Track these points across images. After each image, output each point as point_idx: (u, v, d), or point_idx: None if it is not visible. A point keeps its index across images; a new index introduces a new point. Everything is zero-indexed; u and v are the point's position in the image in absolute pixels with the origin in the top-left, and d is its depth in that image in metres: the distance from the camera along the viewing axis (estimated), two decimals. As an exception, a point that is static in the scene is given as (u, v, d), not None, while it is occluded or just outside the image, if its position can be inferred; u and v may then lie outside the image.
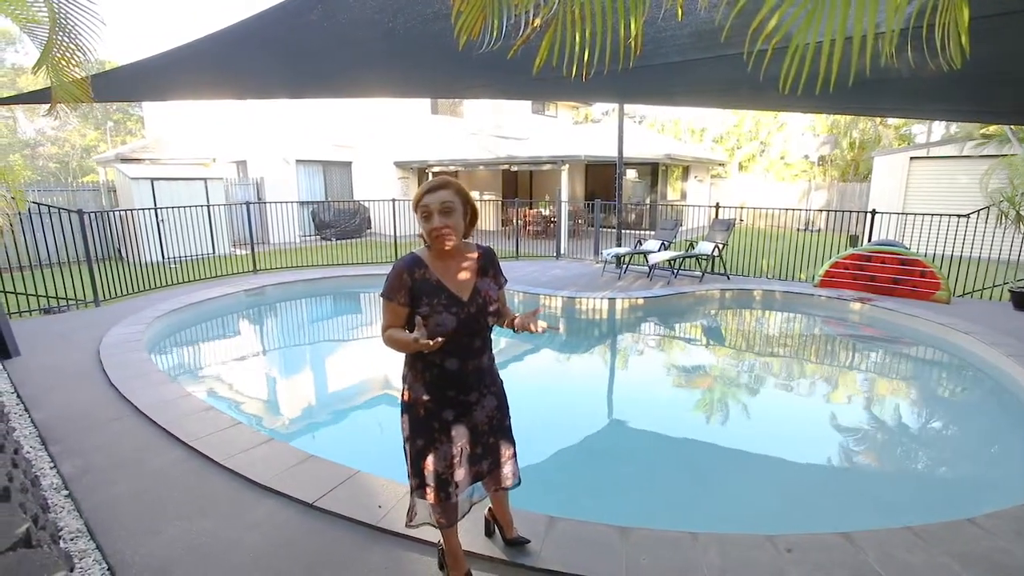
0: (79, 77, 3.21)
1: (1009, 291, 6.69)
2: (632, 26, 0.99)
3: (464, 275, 1.80)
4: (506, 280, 1.96)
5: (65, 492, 2.64)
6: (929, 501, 3.21)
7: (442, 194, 1.70)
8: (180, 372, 5.31)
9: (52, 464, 2.90)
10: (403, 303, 1.72)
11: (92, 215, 7.03)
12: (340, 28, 3.04)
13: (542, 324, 1.77)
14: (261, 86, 4.91)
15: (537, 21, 1.06)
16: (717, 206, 9.49)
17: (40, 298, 6.50)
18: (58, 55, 2.49)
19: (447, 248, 1.73)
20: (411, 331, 1.72)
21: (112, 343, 4.99)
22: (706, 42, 2.59)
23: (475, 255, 1.86)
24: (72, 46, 3.00)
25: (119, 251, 9.63)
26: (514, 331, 1.85)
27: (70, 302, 6.64)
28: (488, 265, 1.88)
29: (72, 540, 2.24)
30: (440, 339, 1.60)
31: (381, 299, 1.75)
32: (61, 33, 2.86)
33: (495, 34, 1.07)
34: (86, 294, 6.78)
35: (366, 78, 4.61)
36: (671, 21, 2.27)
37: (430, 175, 15.50)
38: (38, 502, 2.30)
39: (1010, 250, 7.44)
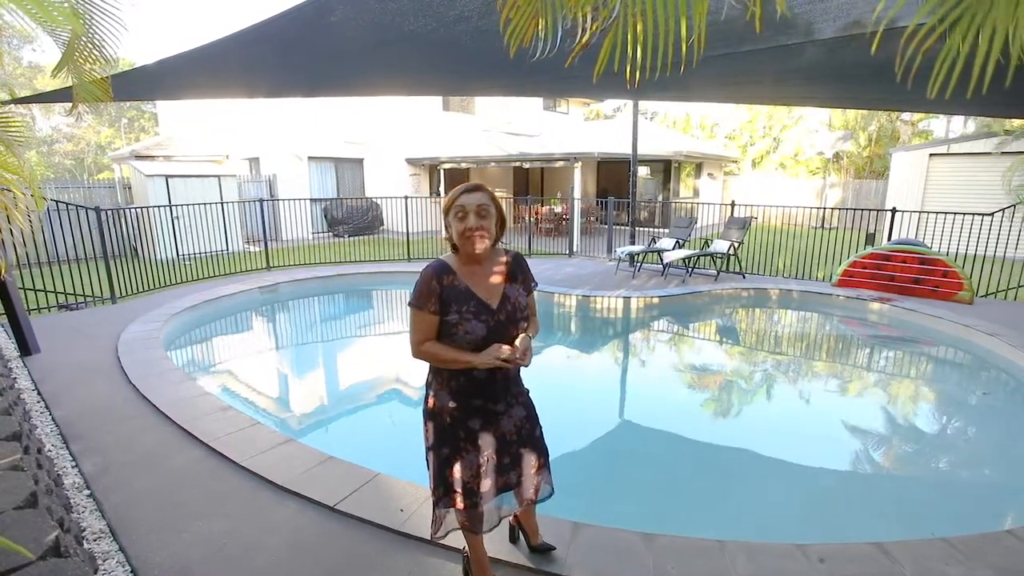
0: (100, 77, 3.20)
1: (1035, 292, 6.53)
2: (696, 23, 0.94)
3: (493, 281, 1.75)
4: (536, 284, 1.91)
5: (87, 491, 2.64)
6: (959, 509, 3.13)
7: (479, 196, 1.67)
8: (197, 370, 5.33)
9: (74, 463, 2.90)
10: (433, 311, 1.67)
11: (109, 212, 7.08)
12: (360, 30, 3.01)
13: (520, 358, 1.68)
14: (277, 86, 4.90)
15: (596, 25, 1.00)
16: (732, 204, 9.37)
17: (58, 295, 6.56)
18: (79, 57, 2.47)
19: (478, 251, 1.69)
20: (440, 339, 1.70)
21: (129, 340, 5.01)
22: (726, 37, 2.53)
23: (504, 260, 1.80)
24: (93, 48, 2.99)
25: (134, 248, 9.71)
26: None
27: (87, 298, 6.69)
28: (517, 270, 1.82)
29: (95, 541, 2.24)
30: (507, 347, 1.64)
31: (410, 308, 1.70)
32: (83, 37, 2.85)
33: (549, 41, 1.02)
34: (103, 291, 6.83)
35: (384, 78, 4.58)
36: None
37: (442, 172, 15.47)
38: (62, 502, 2.29)
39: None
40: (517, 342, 1.69)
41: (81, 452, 3.02)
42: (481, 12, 2.71)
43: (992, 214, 7.19)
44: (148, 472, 2.84)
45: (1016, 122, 10.64)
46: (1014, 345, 4.99)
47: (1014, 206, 7.07)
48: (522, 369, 1.89)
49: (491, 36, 2.99)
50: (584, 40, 1.02)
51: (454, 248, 1.75)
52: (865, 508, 3.12)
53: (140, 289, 7.21)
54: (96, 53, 2.83)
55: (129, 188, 12.07)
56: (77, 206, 6.76)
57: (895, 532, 2.57)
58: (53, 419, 3.43)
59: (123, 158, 13.90)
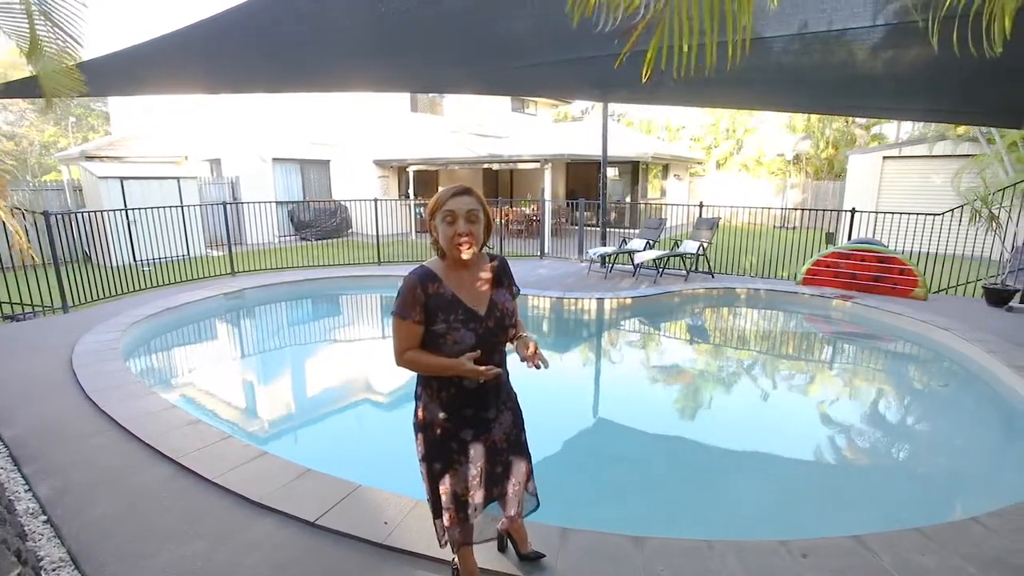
0: (70, 66, 2.99)
1: (983, 287, 6.90)
2: (740, 21, 0.93)
3: (480, 287, 1.71)
4: (519, 290, 1.89)
5: (43, 517, 2.46)
6: (928, 499, 3.26)
7: (468, 200, 1.61)
8: (161, 382, 5.07)
9: (27, 487, 2.71)
10: (418, 320, 1.61)
11: (58, 217, 6.68)
12: (329, 16, 2.93)
13: (539, 360, 1.65)
14: (241, 78, 4.75)
15: (648, 18, 0.99)
16: (701, 205, 9.57)
17: (2, 304, 6.15)
18: (47, 43, 2.30)
19: (465, 258, 1.64)
20: (427, 348, 1.65)
21: (85, 352, 4.74)
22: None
23: (489, 265, 1.77)
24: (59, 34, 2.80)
25: (86, 253, 9.21)
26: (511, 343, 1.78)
27: (36, 308, 6.30)
28: (502, 275, 1.79)
29: (55, 571, 2.09)
30: (477, 352, 1.56)
31: (393, 318, 1.64)
32: (43, 19, 2.66)
33: (616, 12, 1.00)
34: (53, 300, 6.44)
35: (352, 69, 4.49)
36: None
37: (410, 173, 15.29)
38: (16, 531, 2.13)
39: (982, 247, 7.69)
40: (530, 347, 1.66)
41: (35, 474, 2.83)
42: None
43: (942, 214, 7.57)
44: (112, 494, 2.68)
45: (960, 128, 11.24)
46: (966, 338, 5.25)
47: (962, 207, 7.45)
48: (510, 374, 1.87)
49: (469, 16, 2.93)
50: (633, 38, 1.01)
51: (439, 251, 1.70)
52: (840, 501, 3.21)
53: (94, 297, 6.83)
54: (64, 37, 2.64)
55: (79, 190, 11.47)
56: (23, 210, 6.36)
57: (870, 524, 2.64)
58: (2, 439, 3.20)
59: (72, 159, 13.19)
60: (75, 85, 2.29)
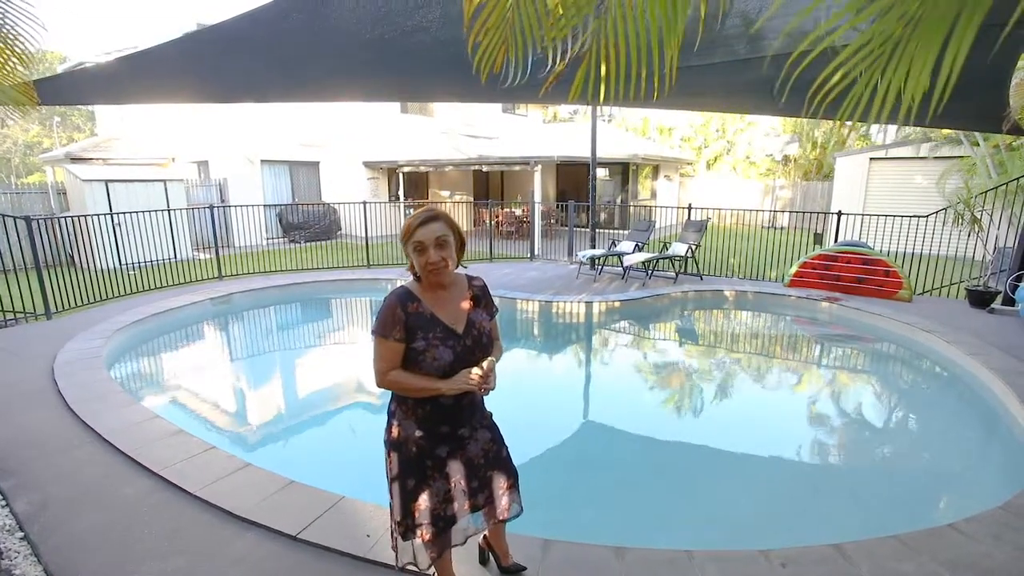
0: (23, 81, 2.94)
1: (966, 289, 6.99)
2: (668, 57, 0.94)
3: (458, 307, 1.74)
4: (497, 310, 1.90)
5: (20, 534, 2.43)
6: (906, 504, 3.29)
7: (435, 227, 1.63)
8: (145, 392, 5.01)
9: (4, 502, 2.68)
10: (399, 339, 1.63)
11: (40, 221, 6.59)
12: (320, 34, 2.94)
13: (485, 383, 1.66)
14: (229, 90, 4.72)
15: (571, 53, 0.99)
16: (689, 207, 9.62)
17: (-16, 311, 6.07)
18: None
19: (443, 283, 1.69)
20: (405, 366, 1.65)
21: (67, 360, 4.68)
22: (684, 51, 2.61)
23: (467, 285, 1.80)
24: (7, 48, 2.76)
25: (71, 257, 9.10)
26: None
27: (17, 315, 6.21)
28: (480, 296, 1.82)
29: (31, 590, 2.07)
30: (479, 372, 1.63)
31: (374, 337, 1.65)
32: None
33: (520, 69, 1.00)
34: (35, 306, 6.35)
35: (339, 83, 4.49)
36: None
37: (400, 175, 15.24)
38: (-9, 550, 2.11)
39: (965, 249, 7.80)
40: (484, 364, 1.67)
41: (13, 489, 2.79)
42: (440, 24, 2.68)
43: (928, 216, 7.66)
44: (92, 508, 2.65)
45: (945, 131, 11.37)
46: (948, 340, 5.32)
47: (946, 208, 7.54)
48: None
49: (450, 46, 2.96)
50: (557, 71, 1.01)
51: (415, 275, 1.72)
52: (820, 508, 3.24)
53: (78, 303, 6.75)
54: (11, 51, 2.61)
55: (64, 193, 11.32)
56: (3, 215, 6.27)
57: (850, 531, 2.68)
58: (-20, 452, 3.16)
59: (57, 160, 13.03)
60: (27, 99, 2.27)
